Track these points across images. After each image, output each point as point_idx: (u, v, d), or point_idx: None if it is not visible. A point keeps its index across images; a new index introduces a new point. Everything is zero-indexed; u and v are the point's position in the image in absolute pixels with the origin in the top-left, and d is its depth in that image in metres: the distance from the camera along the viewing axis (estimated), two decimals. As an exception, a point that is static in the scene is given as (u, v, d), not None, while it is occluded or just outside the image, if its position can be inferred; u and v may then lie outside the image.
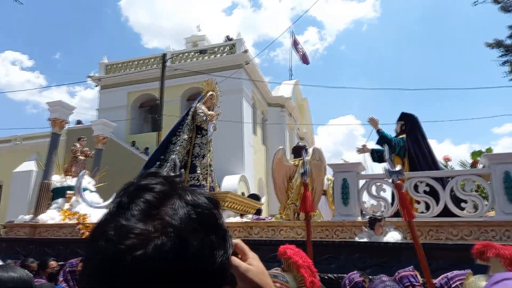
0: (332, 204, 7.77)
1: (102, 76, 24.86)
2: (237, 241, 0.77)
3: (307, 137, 26.36)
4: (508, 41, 17.77)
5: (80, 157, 9.44)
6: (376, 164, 7.29)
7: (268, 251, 6.79)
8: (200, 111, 8.20)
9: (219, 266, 0.63)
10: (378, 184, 6.57)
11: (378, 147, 7.27)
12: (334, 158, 50.43)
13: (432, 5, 53.88)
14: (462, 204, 6.06)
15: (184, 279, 0.58)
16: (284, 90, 22.68)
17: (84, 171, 8.99)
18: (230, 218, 7.34)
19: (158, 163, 8.05)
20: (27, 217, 8.45)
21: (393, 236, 5.91)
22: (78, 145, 9.63)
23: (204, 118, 8.15)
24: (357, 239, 6.12)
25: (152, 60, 24.61)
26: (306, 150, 7.16)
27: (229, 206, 7.50)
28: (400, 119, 7.07)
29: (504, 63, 18.20)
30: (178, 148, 8.02)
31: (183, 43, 25.76)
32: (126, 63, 25.27)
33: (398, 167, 5.42)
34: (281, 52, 62.00)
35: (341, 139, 49.24)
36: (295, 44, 23.53)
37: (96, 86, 25.34)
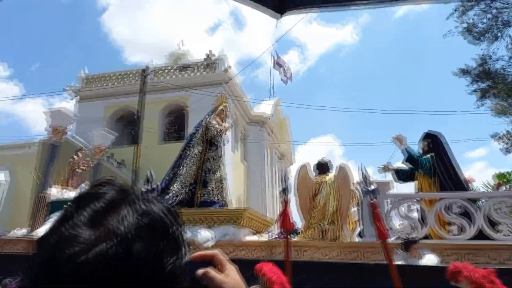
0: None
1: (80, 88, 23.65)
2: (214, 252, 0.75)
3: (287, 155, 25.98)
4: (477, 70, 18.19)
5: (80, 169, 8.55)
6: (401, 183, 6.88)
7: (292, 273, 6.25)
8: (212, 125, 7.58)
9: (169, 274, 0.60)
10: (409, 204, 6.15)
11: (402, 166, 6.90)
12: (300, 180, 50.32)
13: (407, 34, 55.85)
14: (496, 227, 5.73)
15: (128, 285, 0.55)
16: (264, 108, 22.30)
17: (85, 183, 8.11)
18: (248, 237, 6.70)
19: (169, 177, 7.34)
20: (19, 232, 7.46)
21: (430, 259, 5.47)
22: (77, 157, 8.73)
23: (216, 132, 7.54)
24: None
25: (132, 74, 23.73)
26: (330, 166, 6.67)
27: (245, 224, 6.86)
28: (425, 137, 6.74)
29: (473, 91, 18.59)
30: (189, 161, 7.35)
31: (164, 58, 25.03)
32: (105, 76, 24.22)
33: (372, 187, 5.04)
34: (263, 71, 62.27)
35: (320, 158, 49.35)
36: (279, 65, 23.30)
37: (73, 98, 24.05)
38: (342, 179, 6.28)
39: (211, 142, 7.59)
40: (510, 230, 5.66)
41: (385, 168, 6.92)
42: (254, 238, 6.72)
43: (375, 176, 6.87)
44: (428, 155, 6.48)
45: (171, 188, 7.19)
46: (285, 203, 5.50)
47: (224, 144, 7.77)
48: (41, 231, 7.41)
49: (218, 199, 7.32)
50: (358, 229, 7.24)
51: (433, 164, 6.36)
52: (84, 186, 8.11)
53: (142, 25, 50.16)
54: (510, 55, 17.70)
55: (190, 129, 21.34)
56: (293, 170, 31.55)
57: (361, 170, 5.08)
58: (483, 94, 18.32)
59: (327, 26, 62.96)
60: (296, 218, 6.98)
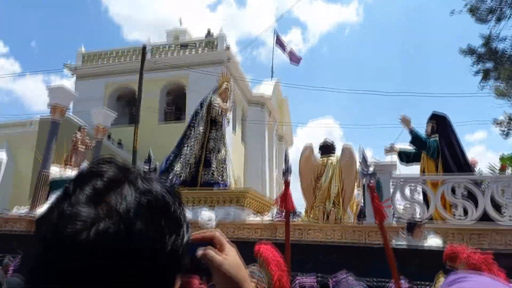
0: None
1: (78, 65, 23.29)
2: (215, 233, 0.76)
3: (286, 137, 25.84)
4: (482, 50, 17.94)
5: (80, 148, 8.42)
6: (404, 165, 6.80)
7: (295, 254, 6.22)
8: (215, 103, 7.44)
9: (171, 252, 0.60)
10: (413, 186, 6.08)
11: (406, 147, 6.80)
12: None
13: (412, 14, 54.80)
14: (502, 210, 5.67)
15: (129, 263, 0.55)
16: (264, 88, 22.04)
17: (86, 162, 8.00)
18: (250, 217, 6.65)
19: (172, 157, 7.24)
20: (20, 211, 7.39)
21: (435, 242, 5.43)
22: (78, 135, 8.59)
23: (220, 111, 7.40)
24: (393, 243, 5.59)
25: (132, 51, 23.37)
26: (334, 147, 6.57)
27: (247, 204, 6.80)
28: (431, 118, 6.62)
29: (476, 72, 18.38)
30: (193, 141, 7.24)
31: (164, 36, 24.62)
32: (104, 53, 23.84)
33: (371, 169, 4.96)
34: (263, 51, 61.17)
35: (320, 140, 48.93)
36: (281, 44, 22.94)
37: (73, 75, 23.71)
38: (347, 160, 6.19)
39: (214, 122, 7.46)
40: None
41: (390, 150, 6.82)
42: (257, 218, 6.67)
43: (379, 157, 6.77)
44: (432, 138, 6.37)
45: (174, 167, 7.10)
46: (287, 184, 5.42)
47: (226, 125, 7.65)
48: (42, 210, 7.33)
49: (221, 180, 7.24)
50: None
51: (437, 147, 6.26)
52: (85, 165, 8.00)
53: (141, 1, 49.10)
54: (515, 35, 17.40)
55: (189, 109, 21.16)
56: (292, 152, 31.53)
57: (361, 152, 4.99)
58: (486, 75, 18.11)
59: (330, 3, 61.60)
60: (297, 199, 6.94)
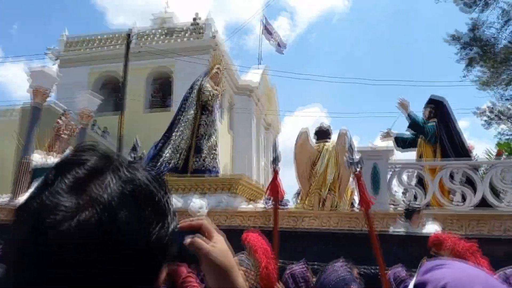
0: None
1: (61, 51, 22.54)
2: (202, 221, 0.75)
3: (274, 125, 25.55)
4: (467, 37, 17.86)
5: (64, 134, 8.01)
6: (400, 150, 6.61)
7: (289, 242, 6.01)
8: (206, 87, 7.11)
9: (154, 242, 0.59)
10: (410, 172, 5.90)
11: (403, 132, 6.61)
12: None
13: (399, 2, 54.59)
14: (500, 195, 5.54)
15: (113, 253, 0.54)
16: (252, 76, 21.68)
17: (70, 148, 7.60)
18: (243, 205, 6.40)
19: (161, 143, 6.92)
20: (3, 199, 6.99)
21: (433, 228, 5.27)
22: (61, 121, 8.16)
23: (210, 95, 7.08)
24: (391, 230, 5.42)
25: (116, 37, 22.71)
26: (330, 132, 6.35)
27: (240, 192, 6.54)
28: (429, 103, 6.42)
29: (460, 60, 18.36)
30: (182, 126, 6.92)
31: (149, 22, 23.94)
32: (88, 39, 23.14)
33: (357, 157, 4.80)
34: (251, 38, 60.24)
35: (308, 128, 48.85)
36: (269, 32, 22.55)
37: (55, 61, 22.95)
38: (343, 145, 5.96)
39: (205, 106, 7.15)
40: (513, 198, 5.48)
41: (386, 135, 6.63)
42: (250, 206, 6.42)
43: (376, 143, 6.58)
44: (430, 123, 6.19)
45: (162, 154, 6.79)
46: (275, 172, 5.24)
47: (217, 109, 7.34)
48: (24, 198, 6.97)
49: (212, 166, 6.96)
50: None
51: (435, 132, 6.08)
52: (69, 152, 7.64)
53: None
54: (501, 24, 17.41)
55: (176, 96, 20.70)
56: (280, 140, 31.30)
57: (347, 139, 4.81)
58: (470, 62, 18.11)
59: None
60: (287, 187, 6.75)
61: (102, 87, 23.03)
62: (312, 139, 6.27)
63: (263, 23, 22.65)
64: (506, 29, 17.55)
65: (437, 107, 6.31)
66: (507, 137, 16.01)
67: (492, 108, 17.30)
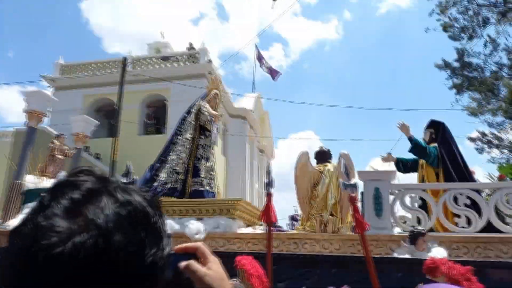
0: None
1: (56, 77, 22.46)
2: (198, 244, 0.73)
3: (267, 150, 25.42)
4: (456, 64, 18.22)
5: (58, 156, 7.73)
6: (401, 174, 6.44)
7: (290, 267, 5.74)
8: (204, 109, 6.96)
9: (150, 265, 0.58)
10: (413, 195, 5.73)
11: (403, 155, 6.46)
12: (293, 171, 49.97)
13: (389, 31, 55.92)
14: (504, 219, 5.36)
15: (107, 276, 0.53)
16: (246, 102, 21.65)
17: (64, 172, 7.33)
18: (241, 229, 6.14)
19: (158, 165, 6.68)
20: (-9, 223, 6.64)
21: (438, 252, 5.05)
22: (56, 142, 7.90)
23: (209, 118, 6.92)
24: (396, 255, 5.19)
25: (112, 63, 22.75)
26: (330, 155, 6.18)
27: (238, 215, 6.29)
28: (429, 126, 6.31)
29: (451, 87, 18.61)
30: (180, 148, 6.71)
31: (145, 49, 24.02)
32: (84, 65, 23.13)
33: (352, 180, 4.66)
34: (246, 65, 60.83)
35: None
36: (260, 59, 22.71)
37: (50, 87, 22.81)
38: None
39: (203, 129, 6.97)
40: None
41: (387, 158, 6.47)
42: (248, 230, 6.17)
43: (377, 166, 6.42)
44: (432, 145, 6.06)
45: (158, 176, 6.54)
46: (269, 196, 5.12)
47: (216, 132, 7.16)
48: (14, 221, 6.63)
49: (210, 189, 6.72)
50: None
51: (437, 154, 5.94)
52: (63, 175, 7.38)
53: (123, 14, 47.99)
54: (487, 53, 17.76)
55: (170, 121, 20.57)
56: (273, 165, 31.07)
57: (342, 162, 4.70)
58: (460, 89, 18.36)
59: (311, 20, 62.16)
60: (282, 211, 6.53)
61: (97, 111, 22.85)
62: (312, 162, 6.09)
63: (256, 51, 22.85)
64: (492, 59, 17.91)
65: (437, 130, 6.20)
66: (500, 162, 16.02)
67: (483, 134, 17.39)
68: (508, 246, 5.01)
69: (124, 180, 6.66)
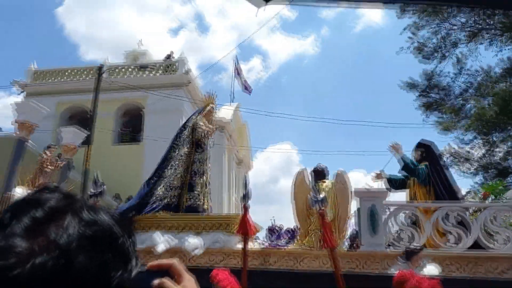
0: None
1: (28, 83, 21.80)
2: (172, 261, 0.69)
3: (245, 161, 25.47)
4: (424, 85, 18.92)
5: (48, 167, 7.55)
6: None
7: (286, 283, 5.85)
8: (200, 124, 7.02)
9: (116, 286, 0.56)
10: (406, 212, 5.99)
11: (395, 174, 6.74)
12: (271, 183, 49.98)
13: (364, 49, 57.49)
14: (491, 237, 5.69)
15: None
16: (224, 113, 21.71)
17: (54, 184, 7.13)
18: (240, 244, 6.21)
19: (154, 180, 6.67)
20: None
21: (433, 270, 5.30)
22: (47, 153, 7.70)
23: (205, 133, 6.99)
24: (392, 271, 5.40)
25: (87, 70, 22.31)
26: (326, 173, 6.38)
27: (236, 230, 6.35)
28: (419, 146, 6.63)
29: (419, 106, 19.29)
30: (176, 163, 6.74)
31: (122, 57, 23.71)
32: (57, 71, 22.58)
33: (322, 195, 4.91)
34: (225, 76, 60.68)
35: (279, 165, 49.14)
36: (238, 72, 22.90)
37: (21, 93, 22.09)
38: (341, 185, 6.00)
39: (198, 144, 7.02)
40: (505, 240, 5.65)
41: (378, 176, 6.74)
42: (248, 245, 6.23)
43: (371, 183, 6.67)
44: (423, 164, 6.37)
45: (155, 191, 6.53)
46: (245, 209, 5.25)
47: (210, 147, 7.23)
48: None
49: (205, 204, 6.77)
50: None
51: (427, 173, 6.26)
52: (28, 192, 7.18)
53: (100, 21, 46.72)
54: (455, 73, 18.58)
55: (146, 130, 20.39)
56: (251, 176, 31.09)
57: (312, 178, 4.89)
58: (428, 109, 19.08)
59: (289, 35, 63.17)
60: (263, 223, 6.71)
61: (70, 119, 22.29)
62: (310, 179, 6.26)
63: (235, 63, 23.03)
64: (460, 78, 18.76)
65: (426, 150, 6.53)
66: (468, 178, 16.74)
67: (453, 151, 18.10)
68: (496, 263, 5.32)
69: (91, 190, 6.54)
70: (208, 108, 7.34)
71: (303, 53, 60.11)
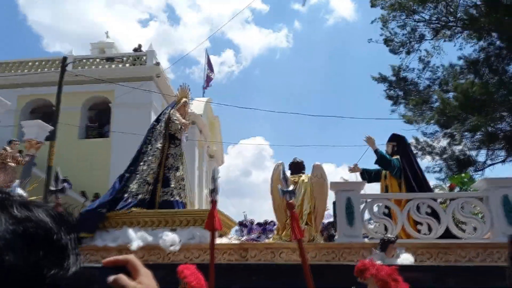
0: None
1: (-16, 75, 20.73)
2: (128, 257, 0.69)
3: (217, 155, 25.25)
4: (393, 78, 19.51)
5: (10, 163, 7.17)
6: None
7: (266, 277, 5.84)
8: (175, 118, 6.87)
9: (50, 286, 0.54)
10: (380, 204, 6.09)
11: (369, 166, 6.85)
12: (243, 176, 49.75)
13: (336, 42, 57.87)
14: (462, 226, 5.89)
15: None
16: (195, 106, 21.40)
17: (18, 181, 6.81)
18: (217, 239, 6.13)
19: (127, 175, 6.47)
20: None
21: (407, 259, 5.43)
22: (8, 149, 7.31)
23: (179, 126, 6.84)
24: (367, 261, 5.49)
25: (51, 62, 21.47)
26: (303, 166, 6.39)
27: (213, 225, 6.27)
28: (391, 140, 6.76)
29: (388, 98, 19.88)
30: (150, 158, 6.56)
31: (88, 49, 22.90)
32: (19, 63, 21.56)
33: (291, 187, 5.03)
34: (197, 70, 59.31)
35: (251, 159, 48.95)
36: (209, 65, 22.62)
37: (-24, 86, 20.96)
38: (318, 178, 6.03)
39: (173, 138, 6.87)
40: (473, 229, 5.86)
41: (354, 169, 6.83)
42: (224, 240, 6.18)
43: (345, 176, 6.75)
44: (395, 158, 6.50)
45: (130, 186, 6.35)
46: (214, 203, 5.20)
47: (185, 141, 7.09)
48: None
49: (179, 199, 6.64)
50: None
51: (400, 166, 6.39)
52: (17, 185, 6.88)
53: (66, 13, 44.57)
54: (421, 68, 19.19)
55: (114, 124, 19.84)
56: (223, 170, 30.78)
57: (281, 169, 4.93)
58: (396, 101, 19.67)
59: (262, 28, 62.74)
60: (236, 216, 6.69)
61: (32, 113, 21.38)
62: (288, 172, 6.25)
63: (206, 55, 22.77)
64: (425, 73, 19.39)
65: (398, 143, 6.67)
66: (430, 168, 17.31)
67: (417, 141, 18.63)
68: (465, 251, 5.51)
69: (51, 187, 6.29)
70: (183, 101, 7.19)
71: (276, 46, 60.14)
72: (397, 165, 6.38)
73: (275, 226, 6.13)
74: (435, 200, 6.02)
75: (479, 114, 15.87)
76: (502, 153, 17.80)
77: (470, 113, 16.79)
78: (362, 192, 6.26)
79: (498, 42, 17.63)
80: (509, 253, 3.12)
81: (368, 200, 6.09)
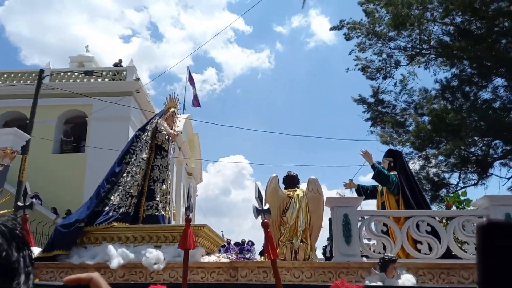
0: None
1: (-45, 86, 19.57)
2: (92, 275, 0.68)
3: (196, 172, 24.48)
4: (371, 100, 19.68)
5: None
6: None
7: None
8: (162, 128, 6.34)
9: None
10: (377, 221, 5.69)
11: (364, 182, 6.47)
12: (222, 195, 48.72)
13: (317, 65, 58.41)
14: (463, 246, 5.54)
15: None
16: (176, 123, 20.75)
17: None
18: (205, 257, 5.57)
19: (108, 186, 5.84)
20: None
21: (408, 280, 5.02)
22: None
23: (167, 137, 6.31)
24: (367, 282, 5.05)
25: (27, 75, 20.55)
26: (298, 180, 5.95)
27: (201, 242, 5.71)
28: (387, 155, 6.43)
29: (367, 119, 20.00)
30: (134, 169, 5.97)
31: (67, 63, 22.01)
32: (-8, 74, 20.50)
33: (266, 206, 4.70)
34: (178, 86, 58.25)
35: (231, 177, 48.08)
36: (191, 82, 22.11)
37: None
38: (314, 193, 5.59)
39: (160, 148, 6.32)
40: (475, 248, 5.52)
41: (349, 185, 6.44)
42: (212, 258, 5.61)
43: (344, 192, 6.35)
44: (394, 172, 6.16)
45: (111, 198, 5.72)
46: (188, 222, 4.85)
47: (172, 152, 6.55)
48: None
49: (165, 214, 6.05)
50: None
51: (397, 182, 6.05)
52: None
53: (46, 25, 43.06)
54: (397, 92, 19.46)
55: (90, 139, 18.97)
56: (201, 189, 29.95)
57: (256, 188, 4.61)
58: (374, 123, 19.81)
59: (244, 49, 62.89)
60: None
61: (5, 126, 20.25)
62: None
63: (188, 72, 22.30)
64: (402, 96, 19.64)
65: (395, 159, 6.35)
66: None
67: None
68: (469, 272, 5.14)
69: (19, 203, 5.66)
70: (171, 111, 6.67)
71: (258, 66, 60.31)
72: (395, 181, 6.03)
73: (253, 246, 5.62)
74: (435, 218, 5.68)
75: (453, 138, 16.00)
76: (474, 176, 17.96)
77: (444, 137, 16.95)
78: (358, 208, 5.86)
79: (469, 69, 18.03)
80: (477, 244, 3.07)
81: (366, 217, 5.68)
